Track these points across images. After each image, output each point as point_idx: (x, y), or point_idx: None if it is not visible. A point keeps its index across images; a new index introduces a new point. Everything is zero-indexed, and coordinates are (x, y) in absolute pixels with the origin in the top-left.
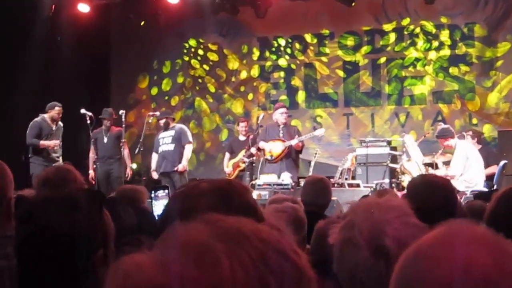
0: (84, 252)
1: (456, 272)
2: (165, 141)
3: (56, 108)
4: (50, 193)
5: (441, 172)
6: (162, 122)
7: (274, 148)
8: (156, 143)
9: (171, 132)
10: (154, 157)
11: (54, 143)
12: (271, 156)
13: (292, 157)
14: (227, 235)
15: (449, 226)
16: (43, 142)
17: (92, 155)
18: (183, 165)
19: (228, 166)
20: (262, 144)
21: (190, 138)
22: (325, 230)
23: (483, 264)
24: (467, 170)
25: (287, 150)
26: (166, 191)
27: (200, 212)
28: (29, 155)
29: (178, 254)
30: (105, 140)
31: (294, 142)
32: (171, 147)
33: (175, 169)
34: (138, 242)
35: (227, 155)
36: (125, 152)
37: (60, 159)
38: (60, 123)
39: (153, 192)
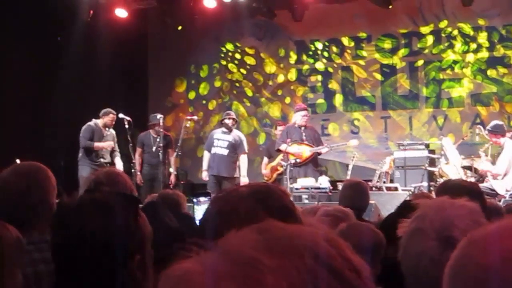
0: (120, 257)
1: (494, 259)
2: (220, 144)
3: (111, 115)
4: (86, 197)
5: (484, 165)
6: (227, 123)
7: (301, 152)
8: (210, 141)
9: (229, 137)
10: (206, 156)
11: (108, 144)
12: (296, 159)
13: (316, 162)
14: (279, 248)
15: (503, 220)
16: (97, 144)
17: (138, 157)
18: (244, 178)
19: (266, 169)
20: (285, 147)
21: (246, 148)
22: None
23: None
24: (510, 170)
25: (313, 155)
26: (208, 197)
27: (240, 217)
28: (78, 159)
29: (226, 267)
30: (154, 147)
31: (324, 150)
32: (224, 152)
33: (232, 176)
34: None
35: (265, 159)
36: (172, 158)
37: (116, 160)
38: (112, 130)
39: (194, 197)
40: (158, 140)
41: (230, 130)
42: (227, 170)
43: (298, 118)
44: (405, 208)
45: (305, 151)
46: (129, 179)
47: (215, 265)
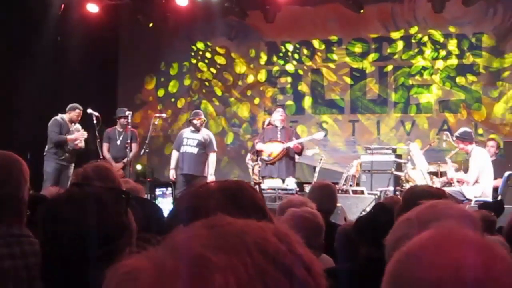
0: (112, 251)
1: (446, 274)
2: (189, 143)
3: (77, 110)
4: (76, 192)
5: (451, 173)
6: (196, 122)
7: (272, 149)
8: (179, 140)
9: (198, 136)
10: (174, 155)
11: (81, 134)
12: (268, 156)
13: (289, 159)
14: (228, 244)
15: (439, 228)
16: (70, 137)
17: (107, 153)
18: (213, 178)
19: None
20: (259, 146)
21: (215, 147)
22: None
23: (473, 266)
24: (480, 178)
25: (285, 151)
26: (170, 189)
27: (209, 212)
28: (44, 153)
29: (173, 264)
30: (118, 141)
31: (292, 143)
32: (194, 150)
33: (202, 174)
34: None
35: (248, 155)
36: (131, 153)
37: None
38: (78, 125)
39: (156, 189)
40: (123, 134)
41: (198, 130)
42: (197, 169)
43: (275, 115)
44: (379, 210)
45: (276, 147)
46: (117, 174)
47: (162, 262)
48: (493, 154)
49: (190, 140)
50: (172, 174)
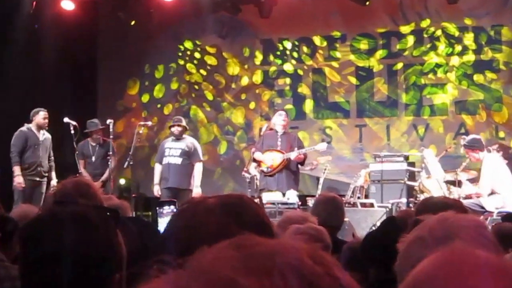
0: (100, 277)
1: None
2: (172, 153)
3: (41, 113)
4: (60, 210)
5: (468, 189)
6: (176, 130)
7: (272, 159)
8: (160, 151)
9: (181, 144)
10: (157, 168)
11: (18, 182)
12: (268, 168)
13: (291, 170)
14: (259, 267)
15: (450, 252)
16: (15, 178)
17: (84, 171)
18: (199, 191)
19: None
20: (258, 156)
21: (201, 156)
22: None
23: None
24: (497, 188)
25: (286, 162)
26: (172, 206)
27: (210, 231)
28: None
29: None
30: (93, 157)
31: (293, 155)
32: (178, 161)
33: (188, 187)
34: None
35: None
36: (111, 166)
37: (52, 174)
38: (48, 134)
39: (157, 208)
40: (97, 149)
41: (179, 138)
42: (183, 181)
43: (275, 119)
44: (390, 226)
45: (276, 158)
46: (99, 190)
47: (188, 286)
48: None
49: (172, 150)
50: (156, 190)
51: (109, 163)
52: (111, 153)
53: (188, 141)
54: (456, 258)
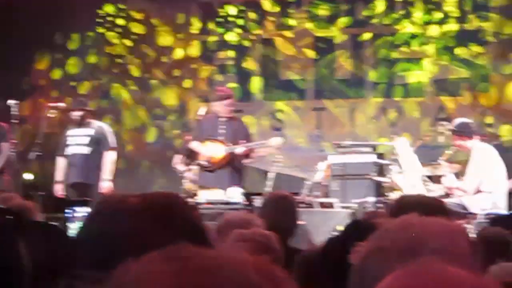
0: None
1: None
2: (78, 141)
3: None
4: None
5: (449, 182)
6: (76, 115)
7: (212, 151)
8: (62, 142)
9: (88, 131)
10: (60, 163)
11: None
12: (207, 162)
13: (236, 164)
14: (195, 285)
15: (417, 269)
16: None
17: None
18: (108, 185)
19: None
20: (195, 146)
21: (114, 143)
22: None
23: None
24: (486, 185)
25: (229, 157)
26: (86, 208)
27: (133, 239)
28: None
29: None
30: None
31: (239, 150)
32: (85, 150)
33: (98, 182)
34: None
35: (176, 157)
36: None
37: None
38: None
39: (67, 210)
40: None
41: (84, 121)
42: (90, 175)
43: (219, 105)
44: (355, 230)
45: (218, 150)
46: None
47: None
48: None
49: (77, 138)
50: (59, 189)
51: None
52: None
53: (96, 125)
54: (424, 277)
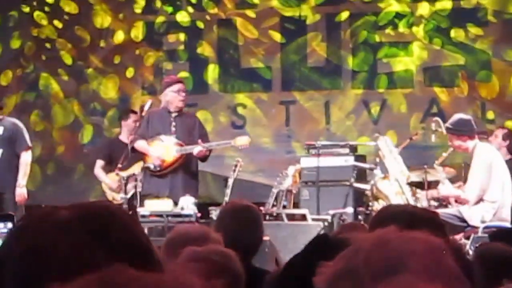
0: None
1: None
2: None
3: None
4: None
5: (446, 190)
6: None
7: (162, 152)
8: None
9: None
10: None
11: None
12: (155, 166)
13: (190, 169)
14: None
15: None
16: None
17: None
18: (22, 189)
19: (110, 179)
20: (141, 146)
21: (29, 141)
22: None
23: None
24: (490, 192)
25: (184, 158)
26: (9, 224)
27: (62, 259)
28: None
29: None
30: None
31: (196, 150)
32: None
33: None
34: None
35: (101, 162)
36: None
37: None
38: None
39: None
40: None
41: None
42: (6, 180)
43: (170, 96)
44: (322, 246)
45: (170, 152)
46: None
47: None
48: (505, 151)
49: None
50: None
51: None
52: None
53: (7, 122)
54: None
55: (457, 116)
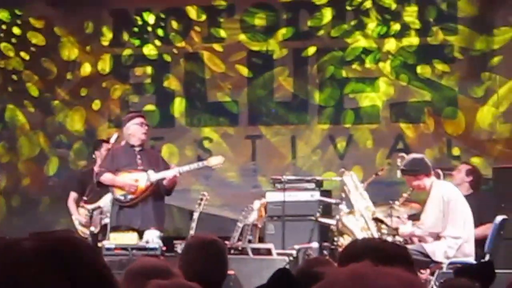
0: None
1: None
2: None
3: None
4: None
5: (405, 229)
6: None
7: (132, 181)
8: None
9: None
10: None
11: None
12: (126, 195)
13: (159, 200)
14: None
15: None
16: None
17: None
18: None
19: (80, 213)
20: (107, 179)
21: None
22: None
23: None
24: (450, 228)
25: (154, 187)
26: None
27: None
28: None
29: None
30: None
31: (171, 173)
32: None
33: None
34: None
35: (73, 195)
36: None
37: None
38: None
39: None
40: None
41: None
42: None
43: (133, 129)
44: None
45: (142, 179)
46: None
47: None
48: (468, 186)
49: None
50: None
51: None
52: None
53: None
54: None
55: (410, 157)
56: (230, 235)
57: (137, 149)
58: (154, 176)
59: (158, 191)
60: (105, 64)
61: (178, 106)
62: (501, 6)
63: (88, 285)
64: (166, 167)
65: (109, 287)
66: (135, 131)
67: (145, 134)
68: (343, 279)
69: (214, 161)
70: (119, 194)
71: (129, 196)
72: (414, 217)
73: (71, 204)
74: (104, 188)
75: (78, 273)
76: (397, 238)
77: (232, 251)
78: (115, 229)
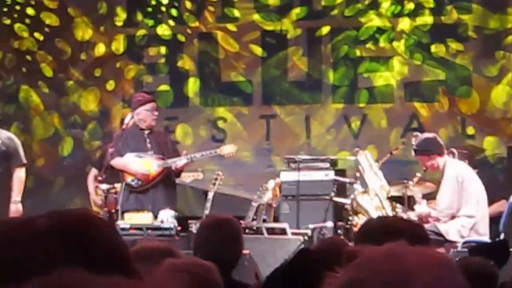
0: None
1: None
2: None
3: None
4: None
5: (420, 210)
6: None
7: (143, 167)
8: None
9: None
10: None
11: None
12: (136, 181)
13: (169, 182)
14: None
15: None
16: None
17: None
18: (16, 205)
19: (95, 196)
20: (118, 162)
21: (24, 157)
22: None
23: None
24: (465, 208)
25: (165, 172)
26: None
27: (38, 268)
28: None
29: None
30: None
31: (182, 162)
32: None
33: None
34: None
35: (93, 171)
36: None
37: None
38: None
39: None
40: None
41: None
42: (1, 198)
43: (143, 114)
44: (303, 262)
45: (152, 166)
46: None
47: None
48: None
49: None
50: None
51: None
52: None
53: (3, 135)
54: None
55: (422, 136)
56: (245, 214)
57: (146, 131)
58: (165, 164)
59: (168, 175)
60: (119, 45)
61: (192, 86)
62: None
63: (102, 263)
64: (175, 149)
65: (126, 265)
66: (145, 117)
67: (155, 120)
68: (380, 258)
69: (227, 149)
70: (129, 179)
71: (140, 182)
72: (429, 196)
73: (90, 182)
74: (117, 171)
75: (94, 251)
76: (412, 216)
77: (246, 231)
78: (124, 212)
